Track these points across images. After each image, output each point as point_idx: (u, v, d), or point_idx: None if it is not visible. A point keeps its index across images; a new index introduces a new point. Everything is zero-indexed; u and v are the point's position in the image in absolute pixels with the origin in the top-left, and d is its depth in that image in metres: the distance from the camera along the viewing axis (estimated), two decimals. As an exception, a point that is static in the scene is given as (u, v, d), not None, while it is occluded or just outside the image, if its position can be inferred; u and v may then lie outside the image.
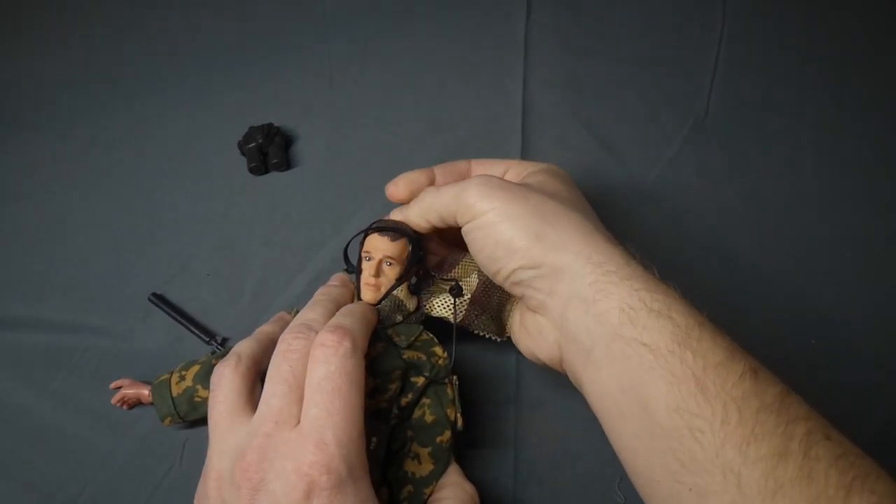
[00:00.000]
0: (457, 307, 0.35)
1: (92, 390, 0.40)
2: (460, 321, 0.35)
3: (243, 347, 0.32)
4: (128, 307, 0.43)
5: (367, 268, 0.35)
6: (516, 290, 0.33)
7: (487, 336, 0.36)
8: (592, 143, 0.51)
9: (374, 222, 0.36)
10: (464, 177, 0.38)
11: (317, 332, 0.30)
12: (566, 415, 0.39)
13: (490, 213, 0.31)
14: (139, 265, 0.46)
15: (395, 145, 0.52)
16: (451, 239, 0.39)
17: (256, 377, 0.31)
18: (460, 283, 0.36)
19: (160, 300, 0.43)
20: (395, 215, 0.37)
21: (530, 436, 0.38)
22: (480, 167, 0.39)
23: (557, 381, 0.39)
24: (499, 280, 0.33)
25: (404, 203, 0.37)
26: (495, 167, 0.38)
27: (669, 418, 0.25)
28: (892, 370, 0.40)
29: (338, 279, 0.37)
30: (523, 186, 0.33)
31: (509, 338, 0.36)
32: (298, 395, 0.28)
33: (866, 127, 0.52)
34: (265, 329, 0.35)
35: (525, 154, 0.50)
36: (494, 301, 0.36)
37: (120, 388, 0.39)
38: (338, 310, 0.33)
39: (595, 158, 0.50)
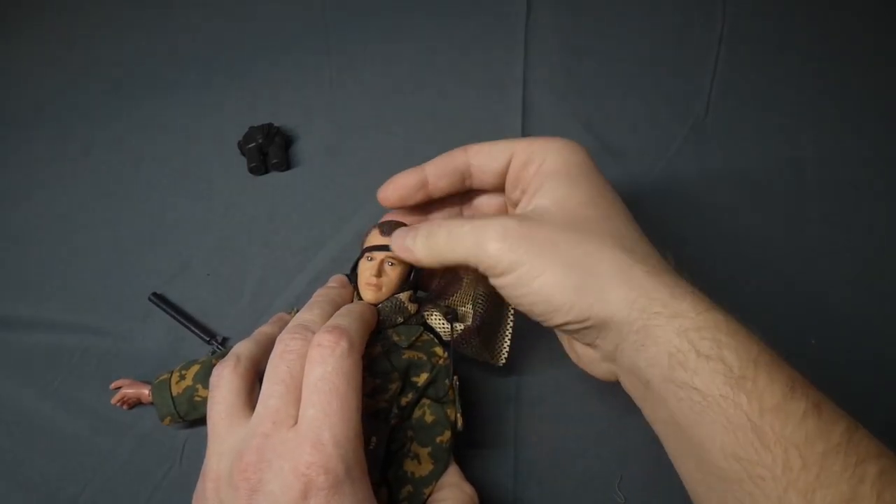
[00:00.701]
0: (453, 329, 0.35)
1: (92, 390, 0.40)
2: (450, 342, 0.35)
3: (242, 348, 0.32)
4: (128, 307, 0.43)
5: (369, 268, 0.34)
6: (564, 335, 0.32)
7: (482, 360, 0.36)
8: (592, 143, 0.51)
9: (378, 222, 0.36)
10: (460, 171, 0.36)
11: (314, 333, 0.29)
12: (566, 415, 0.39)
13: (521, 270, 0.29)
14: (139, 265, 0.46)
15: (395, 145, 0.52)
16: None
17: (255, 378, 0.31)
18: (456, 311, 0.35)
19: (160, 300, 0.43)
20: (409, 176, 0.36)
21: (530, 436, 0.38)
22: (478, 156, 0.35)
23: (557, 381, 0.39)
24: (547, 325, 0.31)
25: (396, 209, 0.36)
26: (496, 155, 0.34)
27: (727, 463, 0.24)
28: (892, 370, 0.40)
29: (336, 280, 0.36)
30: (546, 227, 0.30)
31: (505, 363, 0.36)
32: (296, 396, 0.28)
33: (866, 127, 0.52)
34: (264, 330, 0.34)
35: (525, 154, 0.50)
36: (485, 331, 0.35)
37: (120, 387, 0.38)
38: (335, 310, 0.33)
39: (595, 158, 0.50)
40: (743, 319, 0.43)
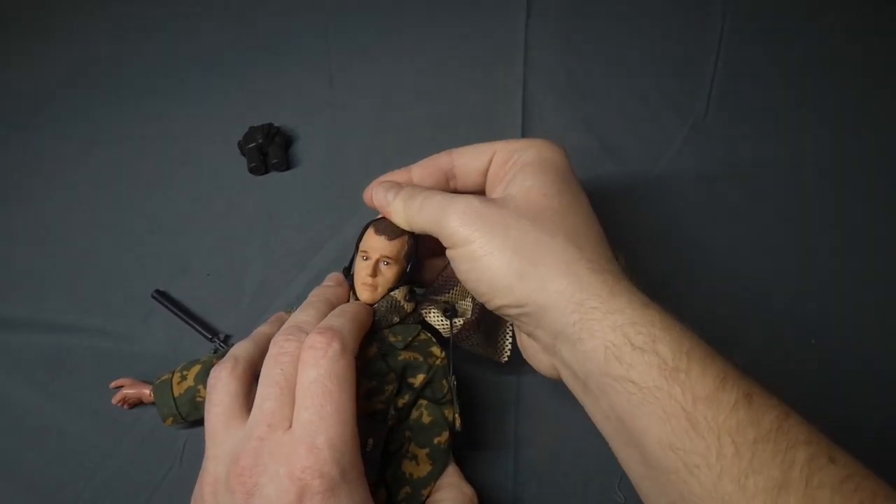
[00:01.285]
0: (452, 325, 0.35)
1: (92, 390, 0.40)
2: (450, 336, 0.35)
3: (240, 350, 0.32)
4: (128, 307, 0.43)
5: (365, 267, 0.34)
6: (506, 318, 0.32)
7: (485, 356, 0.36)
8: (592, 143, 0.51)
9: (371, 221, 0.36)
10: (444, 172, 0.37)
11: (308, 333, 0.30)
12: (566, 415, 0.39)
13: (472, 246, 0.31)
14: (139, 265, 0.46)
15: (395, 145, 0.52)
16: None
17: (252, 379, 0.31)
18: (455, 306, 0.35)
19: (163, 297, 0.43)
20: (396, 176, 0.37)
21: (530, 436, 0.38)
22: (462, 157, 0.37)
23: (557, 382, 0.39)
24: (489, 308, 0.33)
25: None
26: (479, 154, 0.36)
27: (664, 454, 0.25)
28: (892, 370, 0.40)
29: (333, 279, 0.36)
30: (506, 211, 0.31)
31: (508, 359, 0.36)
32: (290, 398, 0.28)
33: (866, 126, 0.52)
34: (263, 330, 0.34)
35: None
36: (486, 324, 0.35)
37: (121, 387, 0.39)
38: (331, 310, 0.33)
39: (595, 158, 0.50)
40: (743, 320, 0.43)
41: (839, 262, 0.45)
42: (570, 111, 0.53)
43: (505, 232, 0.30)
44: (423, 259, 0.38)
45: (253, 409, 0.28)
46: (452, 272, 0.37)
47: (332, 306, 0.33)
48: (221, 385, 0.30)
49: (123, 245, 0.47)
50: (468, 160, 0.37)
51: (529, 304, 0.29)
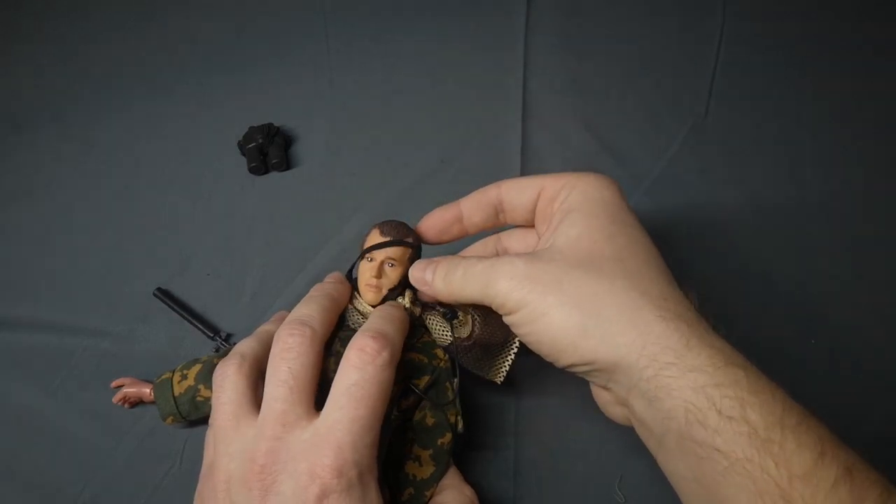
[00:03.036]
0: (452, 327, 0.35)
1: (92, 390, 0.40)
2: (448, 346, 0.35)
3: (245, 347, 0.32)
4: (128, 307, 0.43)
5: (369, 269, 0.34)
6: (579, 377, 0.31)
7: (479, 375, 0.36)
8: (592, 143, 0.51)
9: (376, 224, 0.36)
10: (493, 206, 0.36)
11: (312, 328, 0.29)
12: (566, 415, 0.39)
13: (527, 309, 0.29)
14: (139, 265, 0.46)
15: (395, 145, 0.52)
16: None
17: (259, 376, 0.31)
18: (456, 311, 0.35)
19: (165, 295, 0.43)
20: (445, 212, 0.37)
21: (530, 436, 0.38)
22: (510, 191, 0.35)
23: (558, 383, 0.39)
24: (557, 367, 0.31)
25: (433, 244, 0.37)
26: (525, 190, 0.35)
27: None
28: (892, 370, 0.40)
29: (334, 276, 0.36)
30: (555, 265, 0.30)
31: (502, 382, 0.36)
32: (300, 395, 0.28)
33: (866, 126, 0.52)
34: (266, 328, 0.34)
35: (525, 154, 0.50)
36: (484, 344, 0.35)
37: (121, 386, 0.39)
38: (334, 306, 0.32)
39: (595, 158, 0.50)
40: (743, 319, 0.43)
41: (839, 262, 0.45)
42: (570, 111, 0.53)
43: (559, 287, 0.29)
44: None
45: (263, 408, 0.28)
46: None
47: (335, 301, 0.33)
48: (229, 383, 0.29)
49: (123, 245, 0.47)
50: (515, 196, 0.35)
51: (598, 360, 0.28)
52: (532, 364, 0.36)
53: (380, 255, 0.34)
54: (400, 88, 0.55)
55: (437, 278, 0.33)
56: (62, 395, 0.40)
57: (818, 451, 0.23)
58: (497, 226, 0.37)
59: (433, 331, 0.35)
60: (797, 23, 0.58)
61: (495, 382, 0.36)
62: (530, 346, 0.31)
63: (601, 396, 0.32)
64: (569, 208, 0.32)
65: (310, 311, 0.31)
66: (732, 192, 0.48)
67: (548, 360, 0.30)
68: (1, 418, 0.40)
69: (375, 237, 0.35)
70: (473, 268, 0.32)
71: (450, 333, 0.34)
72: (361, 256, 0.35)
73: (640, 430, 0.29)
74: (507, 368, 0.35)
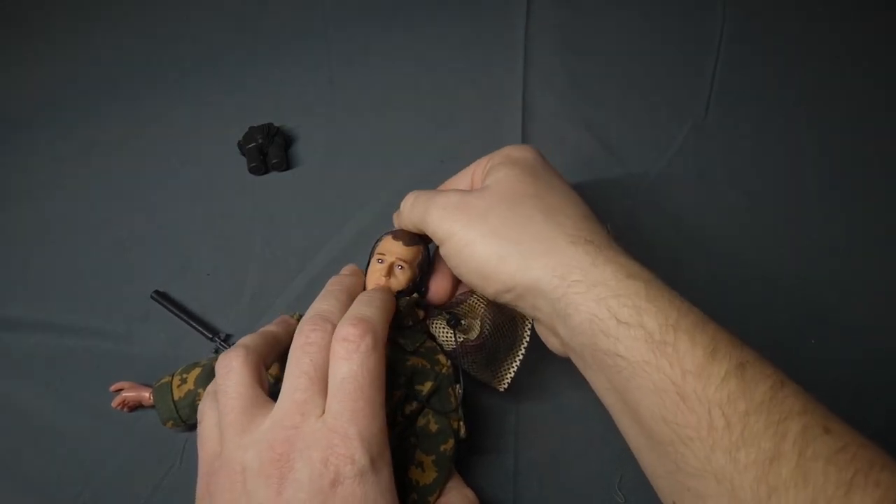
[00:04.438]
0: (455, 334, 0.35)
1: (92, 390, 0.40)
2: (451, 351, 0.35)
3: (248, 340, 0.32)
4: (128, 307, 0.43)
5: (379, 269, 0.35)
6: (507, 305, 0.33)
7: (482, 380, 0.36)
8: (592, 143, 0.51)
9: (387, 231, 0.37)
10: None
11: (333, 324, 0.30)
12: (566, 415, 0.39)
13: (455, 238, 0.32)
14: (139, 265, 0.46)
15: (395, 145, 0.52)
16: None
17: (263, 369, 0.31)
18: (459, 318, 0.35)
19: (163, 297, 0.43)
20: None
21: (530, 436, 0.38)
22: (453, 184, 0.39)
23: (558, 382, 0.39)
24: (486, 296, 0.33)
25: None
26: (463, 177, 0.38)
27: (658, 427, 0.25)
28: (893, 370, 0.40)
29: (349, 269, 0.37)
30: (482, 199, 0.32)
31: (506, 389, 0.36)
32: (319, 387, 0.28)
33: (866, 126, 0.52)
34: (268, 328, 0.34)
35: (525, 154, 0.50)
36: (490, 350, 0.35)
37: (120, 390, 0.38)
38: (350, 301, 0.33)
39: (595, 158, 0.50)
40: (742, 319, 0.43)
41: (839, 262, 0.45)
42: (570, 111, 0.53)
43: (483, 220, 0.31)
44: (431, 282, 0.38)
45: (281, 398, 0.29)
46: (461, 296, 0.37)
47: (352, 295, 0.33)
48: (235, 374, 0.29)
49: (123, 245, 0.47)
50: (456, 182, 0.39)
51: (517, 285, 0.30)
52: (532, 366, 0.36)
53: (391, 256, 0.35)
54: (400, 88, 0.55)
55: (404, 206, 0.36)
56: (62, 395, 0.40)
57: (710, 349, 0.25)
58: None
59: (438, 335, 0.35)
60: (797, 23, 0.58)
61: (499, 389, 0.36)
62: (462, 279, 0.33)
63: (540, 331, 0.34)
64: (494, 164, 0.35)
65: (329, 306, 0.32)
66: (732, 192, 0.48)
67: (476, 290, 0.33)
68: (1, 418, 0.40)
69: (388, 242, 0.36)
70: (420, 198, 0.35)
71: (454, 339, 0.34)
72: (371, 258, 0.36)
73: (571, 356, 0.31)
74: (512, 376, 0.35)
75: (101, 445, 0.38)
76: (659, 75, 0.55)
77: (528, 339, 0.35)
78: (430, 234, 0.34)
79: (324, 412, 0.28)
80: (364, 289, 0.36)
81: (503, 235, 0.31)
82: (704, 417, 0.24)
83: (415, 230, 0.36)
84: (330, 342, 0.29)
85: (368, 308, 0.31)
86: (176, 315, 0.42)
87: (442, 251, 0.33)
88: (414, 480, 0.32)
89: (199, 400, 0.35)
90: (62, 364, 0.41)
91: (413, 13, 0.60)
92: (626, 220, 0.46)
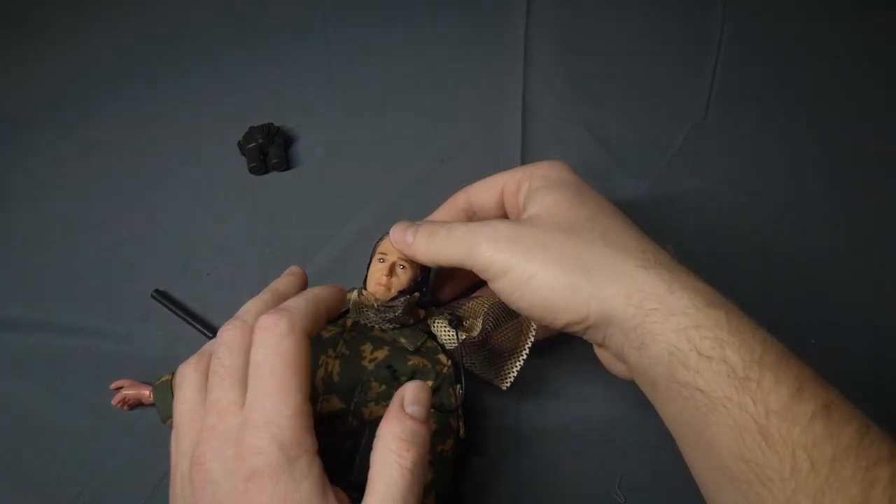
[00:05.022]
0: (457, 334, 0.35)
1: (92, 390, 0.40)
2: (452, 350, 0.35)
3: (207, 345, 0.31)
4: (128, 307, 0.43)
5: (381, 269, 0.35)
6: (575, 335, 0.31)
7: (484, 378, 0.36)
8: (592, 143, 0.51)
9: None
10: (464, 211, 0.37)
11: (243, 321, 0.29)
12: (566, 415, 0.39)
13: (514, 273, 0.30)
14: (139, 265, 0.46)
15: (395, 145, 0.52)
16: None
17: None
18: (461, 318, 0.35)
19: (163, 297, 0.43)
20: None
21: (530, 436, 0.38)
22: (475, 194, 0.37)
23: (558, 382, 0.39)
24: (553, 328, 0.31)
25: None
26: (488, 188, 0.36)
27: (735, 464, 0.24)
28: (892, 370, 0.40)
29: (291, 270, 0.35)
30: (537, 228, 0.31)
31: (508, 388, 0.36)
32: (231, 383, 0.27)
33: (866, 126, 0.52)
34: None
35: (525, 154, 0.50)
36: (492, 349, 0.35)
37: (120, 388, 0.38)
38: (275, 298, 0.32)
39: (595, 158, 0.50)
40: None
41: (839, 262, 0.45)
42: (570, 111, 0.53)
43: (543, 249, 0.29)
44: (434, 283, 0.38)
45: (206, 404, 0.28)
46: (464, 293, 0.37)
47: (281, 296, 0.32)
48: (187, 382, 0.29)
49: (123, 245, 0.47)
50: (481, 196, 0.36)
51: (590, 315, 0.28)
52: (533, 365, 0.36)
53: (393, 256, 0.35)
54: (400, 88, 0.55)
55: (420, 238, 0.33)
56: (62, 395, 0.40)
57: (796, 388, 0.24)
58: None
59: (439, 335, 0.35)
60: (797, 23, 0.58)
61: (501, 387, 0.36)
62: (522, 312, 0.32)
63: (604, 357, 0.32)
64: (533, 188, 0.33)
65: (250, 306, 0.31)
66: (732, 192, 0.48)
67: (543, 323, 0.31)
68: (1, 418, 0.40)
69: (390, 243, 0.36)
70: (456, 230, 0.32)
71: (455, 338, 0.34)
72: (372, 258, 0.36)
73: (638, 381, 0.30)
74: (515, 374, 0.35)
75: (101, 445, 0.38)
76: (659, 75, 0.55)
77: (532, 338, 0.35)
78: (478, 269, 0.31)
79: (242, 408, 0.27)
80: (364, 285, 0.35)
81: (568, 265, 0.29)
82: (788, 459, 0.23)
83: (442, 265, 0.33)
84: (239, 337, 0.28)
85: (293, 301, 0.29)
86: (176, 314, 0.42)
87: (496, 286, 0.31)
88: None
89: None
90: (62, 364, 0.41)
91: (413, 13, 0.60)
92: (626, 220, 0.46)
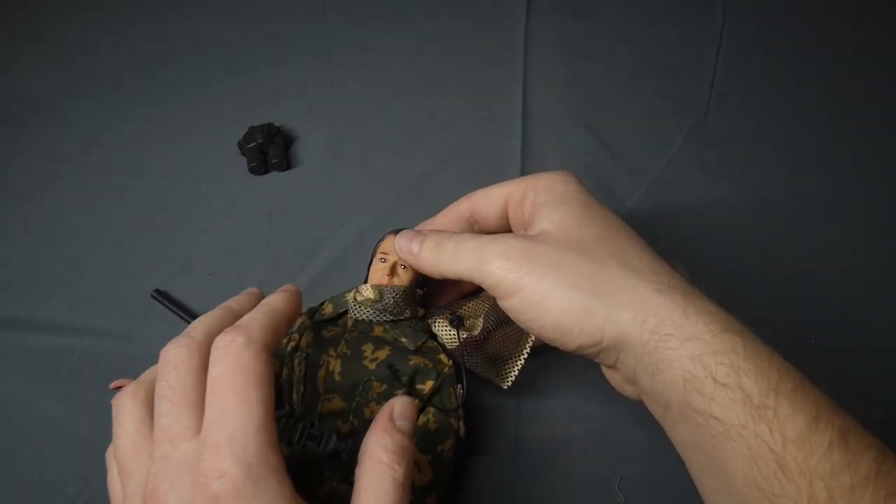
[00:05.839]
0: (458, 334, 0.35)
1: (92, 390, 0.40)
2: (453, 350, 0.35)
3: (146, 374, 0.29)
4: (128, 307, 0.43)
5: (382, 268, 0.35)
6: (587, 358, 0.31)
7: (485, 378, 0.36)
8: (592, 143, 0.51)
9: (389, 230, 0.37)
10: (466, 219, 0.36)
11: (196, 340, 0.27)
12: (566, 415, 0.39)
13: (526, 292, 0.29)
14: (139, 265, 0.45)
15: (395, 145, 0.52)
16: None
17: None
18: (462, 318, 0.35)
19: (163, 296, 0.43)
20: (421, 228, 0.36)
21: (530, 436, 0.38)
22: (478, 202, 0.36)
23: (558, 384, 0.39)
24: (565, 350, 0.30)
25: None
26: (493, 198, 0.35)
27: (750, 492, 0.24)
28: (892, 370, 0.40)
29: (247, 290, 0.33)
30: (549, 247, 0.30)
31: (509, 387, 0.35)
32: (184, 406, 0.25)
33: (866, 126, 0.52)
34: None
35: (525, 154, 0.50)
36: (493, 348, 0.35)
37: (119, 388, 0.38)
38: (227, 315, 0.30)
39: (595, 158, 0.50)
40: (742, 319, 0.43)
41: (840, 262, 0.45)
42: (570, 111, 0.53)
43: (556, 269, 0.29)
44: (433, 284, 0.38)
45: (154, 433, 0.26)
46: (465, 294, 0.37)
47: (234, 313, 0.30)
48: (125, 415, 0.27)
49: (123, 245, 0.47)
50: (484, 206, 0.35)
51: (604, 339, 0.28)
52: (533, 365, 0.36)
53: (394, 256, 0.35)
54: (400, 88, 0.55)
55: (426, 249, 0.32)
56: (62, 394, 0.40)
57: (812, 416, 0.24)
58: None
59: (440, 334, 0.35)
60: (797, 23, 0.58)
61: (502, 387, 0.36)
62: (533, 332, 0.31)
63: (613, 377, 0.32)
64: (539, 202, 0.32)
65: (195, 323, 0.29)
66: (732, 192, 0.48)
67: (554, 344, 0.30)
68: (1, 418, 0.40)
69: (390, 240, 0.36)
70: (466, 243, 0.31)
71: (457, 338, 0.34)
72: (373, 258, 0.36)
73: (647, 403, 0.30)
74: (516, 374, 0.35)
75: (101, 445, 0.38)
76: (659, 75, 0.55)
77: (533, 338, 0.35)
78: (487, 286, 0.30)
79: (198, 433, 0.25)
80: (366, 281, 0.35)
81: (582, 287, 0.28)
82: (805, 489, 0.22)
83: (449, 277, 0.32)
84: (187, 356, 0.26)
85: (249, 315, 0.28)
86: (176, 314, 0.42)
87: (506, 304, 0.30)
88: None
89: None
90: (62, 363, 0.41)
91: (413, 13, 0.60)
92: (626, 220, 0.46)
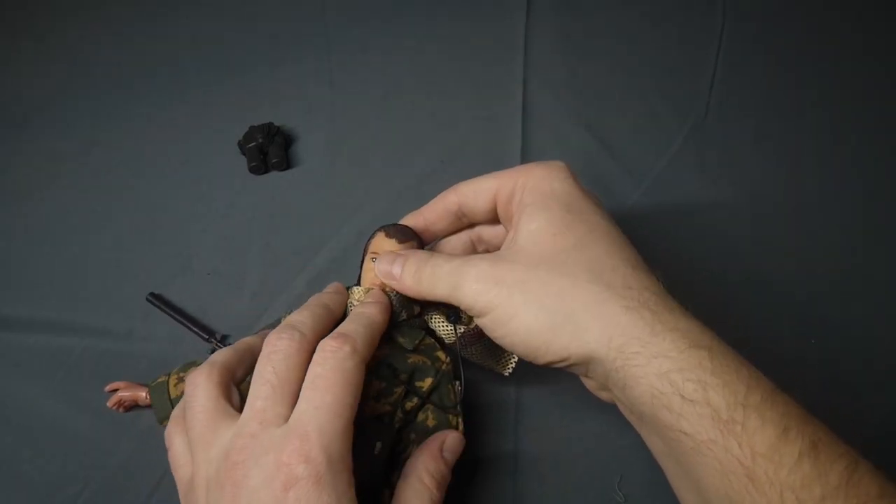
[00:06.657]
0: (456, 330, 0.35)
1: (91, 390, 0.40)
2: (452, 343, 0.35)
3: (216, 355, 0.31)
4: (128, 307, 0.43)
5: (374, 268, 0.35)
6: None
7: (486, 367, 0.36)
8: (592, 143, 0.51)
9: (380, 227, 0.36)
10: (453, 213, 0.36)
11: (301, 332, 0.29)
12: (566, 415, 0.39)
13: (496, 312, 0.30)
14: (139, 265, 0.45)
15: (395, 145, 0.52)
16: None
17: (231, 383, 0.30)
18: (459, 311, 0.35)
19: (158, 300, 0.43)
20: (408, 221, 0.37)
21: (530, 436, 0.38)
22: (466, 196, 0.36)
23: (558, 382, 0.39)
24: (537, 365, 0.31)
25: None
26: (481, 192, 0.35)
27: (722, 503, 0.24)
28: (893, 370, 0.40)
29: (333, 287, 0.36)
30: (519, 264, 0.30)
31: (511, 373, 0.36)
32: (282, 395, 0.28)
33: (866, 126, 0.52)
34: (246, 339, 0.34)
35: (525, 154, 0.50)
36: (489, 338, 0.35)
37: (115, 390, 0.38)
38: (328, 314, 0.32)
39: (595, 158, 0.50)
40: (742, 319, 0.43)
41: (840, 262, 0.45)
42: (570, 111, 0.53)
43: (525, 287, 0.29)
44: None
45: (245, 408, 0.28)
46: None
47: (329, 311, 0.33)
48: (200, 391, 0.29)
49: (123, 245, 0.47)
50: (472, 200, 0.35)
51: (571, 356, 0.29)
52: (532, 365, 0.36)
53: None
54: (400, 88, 0.55)
55: (407, 274, 0.33)
56: (62, 394, 0.40)
57: (782, 428, 0.24)
58: (464, 228, 0.38)
59: (437, 330, 0.35)
60: (797, 23, 0.58)
61: (502, 374, 0.36)
62: (506, 349, 0.32)
63: (588, 383, 0.33)
64: (524, 204, 0.32)
65: (301, 317, 0.31)
66: (732, 192, 0.48)
67: (526, 359, 0.31)
68: (1, 418, 0.40)
69: (381, 240, 0.36)
70: (441, 268, 0.32)
71: (454, 333, 0.34)
72: (364, 257, 0.36)
73: (623, 412, 0.30)
74: (516, 360, 0.35)
75: (101, 445, 0.38)
76: (659, 75, 0.55)
77: None
78: (463, 307, 0.31)
79: (287, 421, 0.27)
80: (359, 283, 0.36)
81: (549, 306, 0.29)
82: (776, 501, 0.23)
83: (421, 299, 0.33)
84: (297, 350, 0.29)
85: (352, 325, 0.30)
86: (171, 317, 0.42)
87: (481, 322, 0.31)
88: None
89: None
90: (62, 364, 0.41)
91: (413, 14, 0.60)
92: (626, 220, 0.46)
